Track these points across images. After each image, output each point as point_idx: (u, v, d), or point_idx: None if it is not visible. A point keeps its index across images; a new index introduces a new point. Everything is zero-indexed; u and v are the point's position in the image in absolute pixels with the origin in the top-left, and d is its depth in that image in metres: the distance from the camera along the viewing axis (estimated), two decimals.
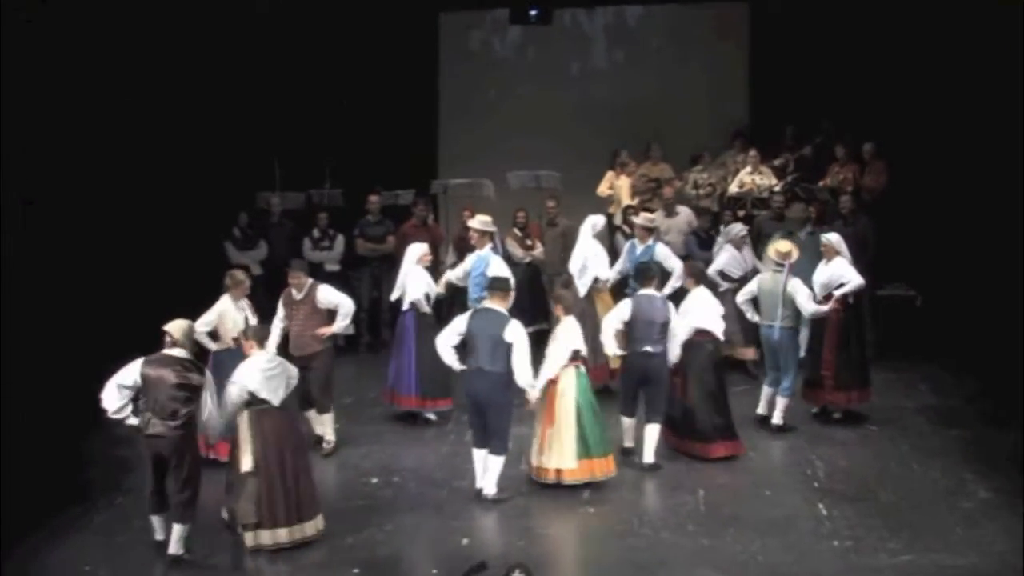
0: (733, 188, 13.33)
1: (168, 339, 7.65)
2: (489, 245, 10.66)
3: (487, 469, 8.62)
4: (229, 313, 9.19)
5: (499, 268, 10.28)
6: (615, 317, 9.28)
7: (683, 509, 8.44)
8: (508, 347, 8.38)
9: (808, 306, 9.79)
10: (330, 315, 9.60)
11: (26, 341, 10.23)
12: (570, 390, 8.75)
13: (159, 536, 7.79)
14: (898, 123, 13.06)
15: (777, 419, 10.00)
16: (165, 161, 12.68)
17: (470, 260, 10.75)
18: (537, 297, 12.25)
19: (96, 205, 11.72)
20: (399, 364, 10.22)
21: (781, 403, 9.98)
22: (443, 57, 15.64)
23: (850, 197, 12.48)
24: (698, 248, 12.29)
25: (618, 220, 13.38)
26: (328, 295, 9.63)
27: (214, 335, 9.19)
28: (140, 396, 7.58)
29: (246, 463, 7.68)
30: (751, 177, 13.22)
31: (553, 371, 8.71)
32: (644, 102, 14.98)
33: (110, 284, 11.62)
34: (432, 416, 10.33)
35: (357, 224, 12.99)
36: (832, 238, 10.35)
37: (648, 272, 9.51)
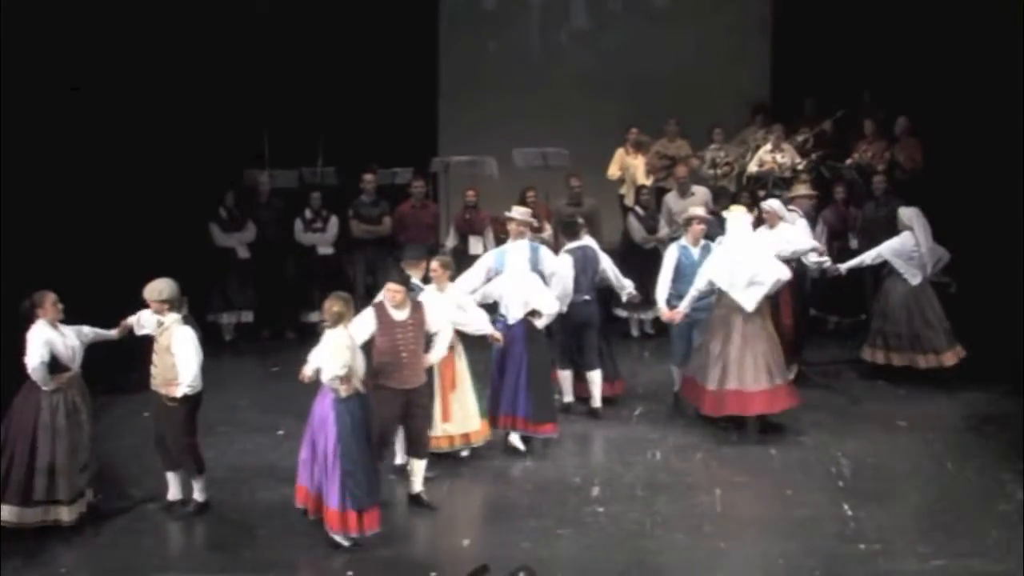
0: (752, 167, 13.28)
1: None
2: (527, 237, 10.02)
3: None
4: (354, 347, 7.84)
5: (553, 261, 9.90)
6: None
7: (699, 509, 8.40)
8: None
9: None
10: None
11: (16, 326, 10.22)
12: (462, 352, 9.08)
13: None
14: (934, 95, 13.00)
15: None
16: (146, 136, 12.64)
17: (494, 258, 9.80)
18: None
19: (71, 183, 11.68)
20: (500, 382, 9.48)
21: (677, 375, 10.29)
22: (443, 25, 15.61)
23: (883, 176, 12.42)
24: (720, 229, 12.22)
25: (630, 201, 13.34)
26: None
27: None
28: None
29: None
30: (772, 155, 13.16)
31: (444, 350, 8.60)
32: (658, 74, 14.96)
33: (86, 267, 11.59)
34: (519, 445, 9.54)
35: (351, 205, 12.96)
36: (773, 204, 10.62)
37: (574, 225, 10.29)
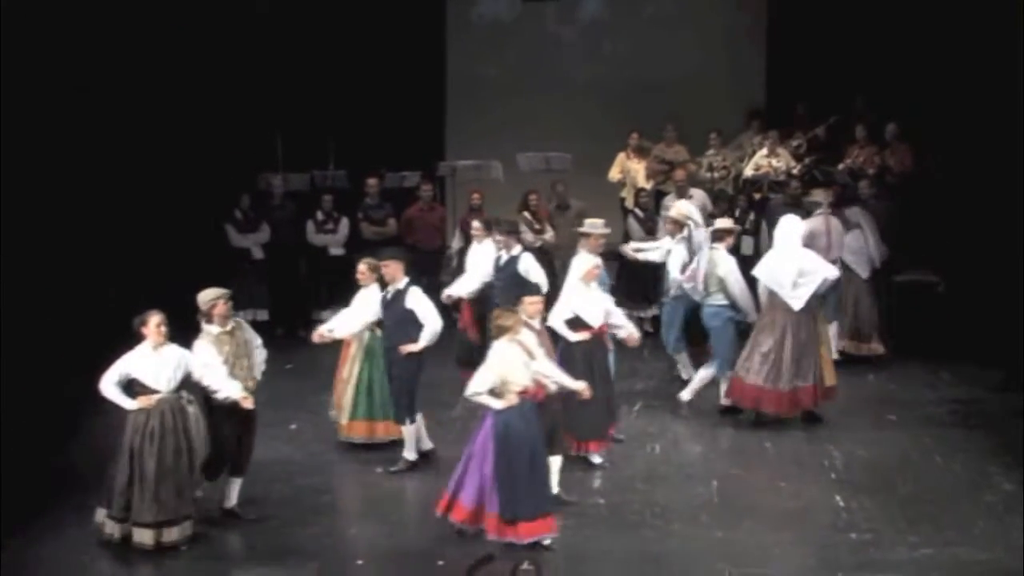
0: (749, 171, 13.30)
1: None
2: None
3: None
4: (515, 358, 7.52)
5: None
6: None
7: (696, 500, 8.42)
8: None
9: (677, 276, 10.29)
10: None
11: (21, 326, 10.25)
12: (361, 351, 9.16)
13: None
14: (923, 101, 13.02)
15: (687, 395, 10.12)
16: (165, 140, 12.69)
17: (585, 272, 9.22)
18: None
19: (92, 186, 11.72)
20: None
21: (704, 375, 10.01)
22: (450, 33, 15.63)
23: (868, 181, 12.45)
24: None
25: (630, 204, 13.37)
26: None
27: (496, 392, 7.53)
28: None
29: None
30: (767, 160, 13.19)
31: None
32: (658, 81, 14.98)
33: (107, 268, 11.64)
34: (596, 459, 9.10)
35: (359, 208, 13.00)
36: (683, 208, 10.72)
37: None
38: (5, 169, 10.32)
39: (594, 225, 9.76)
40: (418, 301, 8.86)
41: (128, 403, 7.61)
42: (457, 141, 15.32)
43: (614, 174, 13.87)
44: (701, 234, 10.70)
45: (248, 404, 7.81)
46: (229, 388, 7.78)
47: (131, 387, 7.63)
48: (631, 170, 13.78)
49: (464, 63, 15.60)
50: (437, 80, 15.47)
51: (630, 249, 10.57)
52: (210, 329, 7.94)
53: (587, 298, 9.01)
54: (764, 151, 13.26)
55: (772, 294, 9.71)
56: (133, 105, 12.25)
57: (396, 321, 8.84)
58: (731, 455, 9.32)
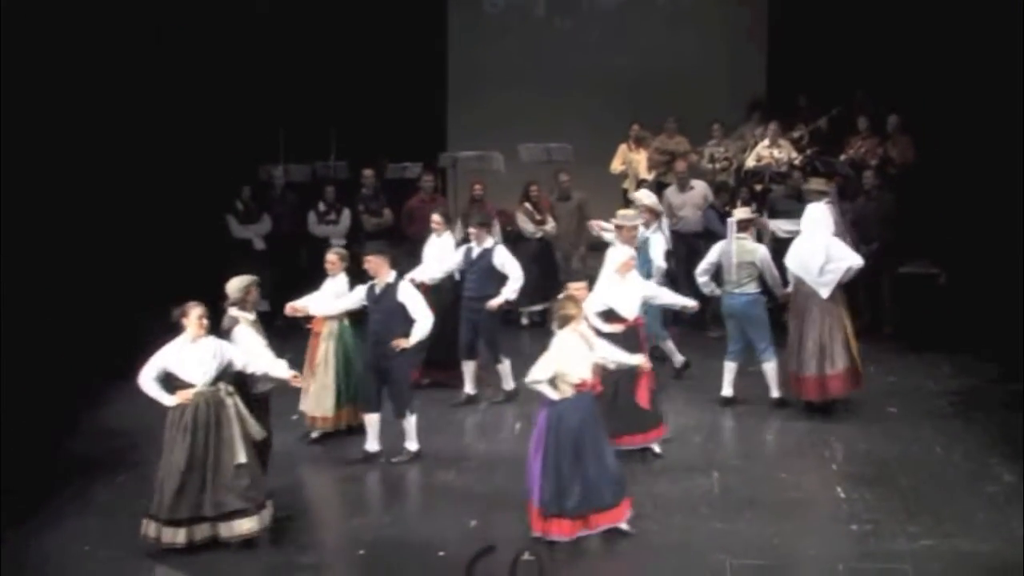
0: (750, 162, 13.28)
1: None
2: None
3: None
4: (575, 350, 7.43)
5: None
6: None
7: (697, 492, 8.41)
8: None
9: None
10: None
11: (23, 315, 10.25)
12: (332, 338, 9.26)
13: None
14: (925, 92, 13.00)
15: (775, 392, 9.96)
16: (167, 132, 12.68)
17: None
18: (548, 273, 12.24)
19: (93, 179, 11.71)
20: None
21: (769, 368, 9.94)
22: (452, 24, 15.62)
23: (873, 172, 12.42)
24: (720, 222, 12.24)
25: (632, 195, 13.34)
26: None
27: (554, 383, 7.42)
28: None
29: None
30: (769, 151, 13.17)
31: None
32: (659, 72, 14.96)
33: (108, 260, 11.64)
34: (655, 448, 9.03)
35: (359, 199, 13.00)
36: (644, 196, 10.74)
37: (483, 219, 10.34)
38: (5, 164, 10.32)
39: (627, 217, 9.72)
40: (409, 296, 8.83)
41: (166, 399, 7.45)
42: (458, 132, 15.32)
43: (616, 165, 13.86)
44: (665, 223, 10.83)
45: (298, 383, 7.81)
46: (276, 369, 7.70)
47: (168, 381, 7.47)
48: (633, 161, 13.77)
49: (466, 54, 15.58)
50: (439, 71, 15.46)
51: (595, 227, 10.48)
52: (246, 315, 7.90)
53: (621, 290, 8.88)
54: (766, 142, 13.25)
55: (799, 281, 9.69)
56: (135, 98, 12.24)
57: (387, 315, 8.78)
58: (732, 447, 9.32)
